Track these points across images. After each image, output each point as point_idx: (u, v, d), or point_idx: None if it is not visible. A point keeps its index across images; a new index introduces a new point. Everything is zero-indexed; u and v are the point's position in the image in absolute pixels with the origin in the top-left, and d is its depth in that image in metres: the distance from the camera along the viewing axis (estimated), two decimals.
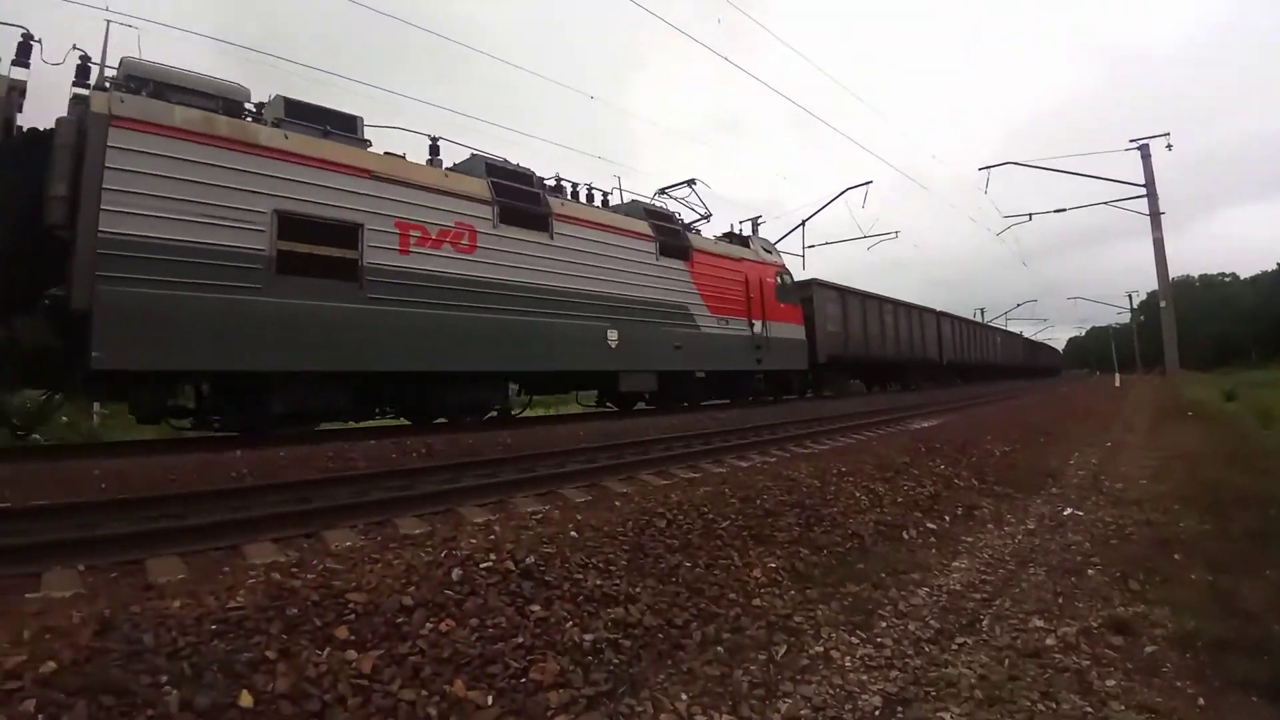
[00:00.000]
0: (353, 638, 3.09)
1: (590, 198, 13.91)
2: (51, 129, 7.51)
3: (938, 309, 32.41)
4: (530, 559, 4.00)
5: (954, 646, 4.15)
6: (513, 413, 12.63)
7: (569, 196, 13.27)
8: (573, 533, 4.52)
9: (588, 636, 3.63)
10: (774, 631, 4.18)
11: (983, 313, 62.06)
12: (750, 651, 3.93)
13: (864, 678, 3.73)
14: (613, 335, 12.62)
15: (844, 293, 22.54)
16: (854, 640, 4.19)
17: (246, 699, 2.65)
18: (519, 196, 11.57)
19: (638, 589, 4.17)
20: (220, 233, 8.01)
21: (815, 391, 22.12)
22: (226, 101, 8.67)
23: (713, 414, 13.77)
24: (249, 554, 4.22)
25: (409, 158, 10.54)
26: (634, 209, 14.77)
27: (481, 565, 3.85)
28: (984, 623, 4.50)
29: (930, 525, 6.64)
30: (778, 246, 21.77)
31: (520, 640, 3.44)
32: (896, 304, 27.04)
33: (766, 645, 4.02)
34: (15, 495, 5.58)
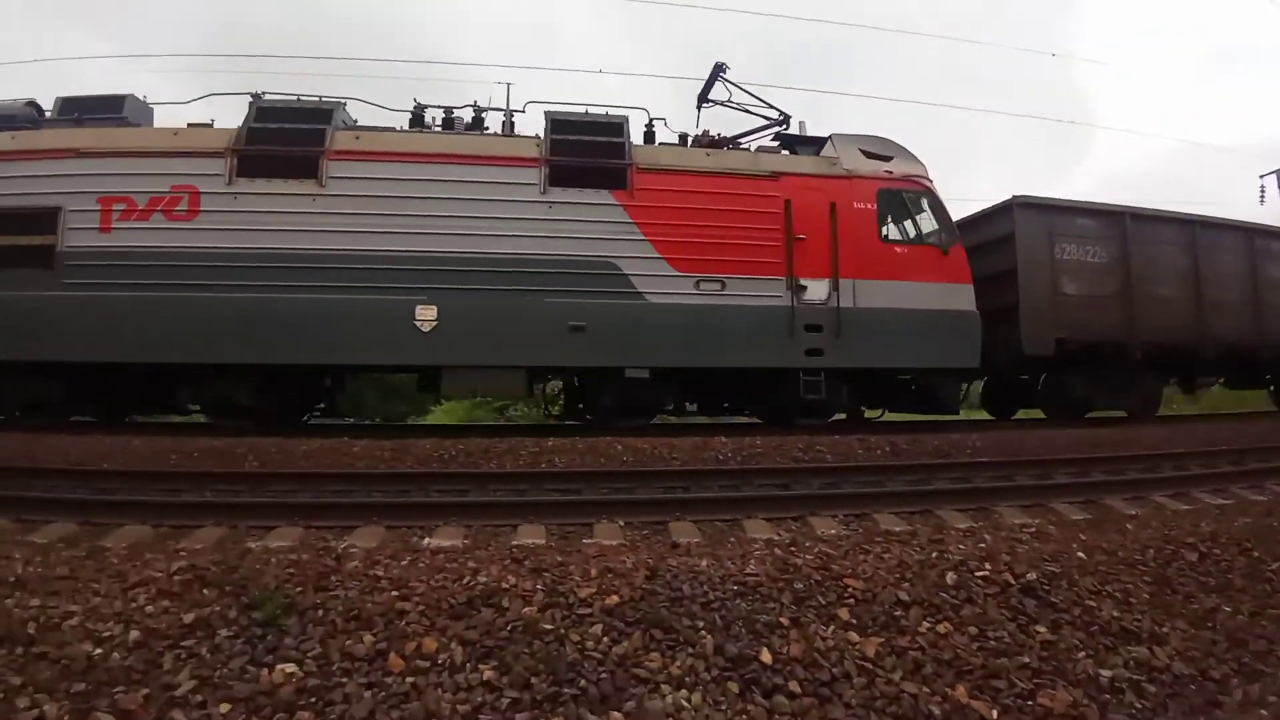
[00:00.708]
0: (853, 621, 3.23)
1: (479, 121, 10.11)
2: None
3: None
4: (1031, 575, 3.72)
5: None
6: (308, 417, 10.05)
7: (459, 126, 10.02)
8: (1079, 553, 4.07)
9: (1105, 672, 3.25)
10: None
11: None
12: None
13: None
14: (425, 314, 8.89)
15: (1124, 219, 11.66)
16: None
17: (766, 656, 2.95)
18: (275, 140, 9.14)
19: (1164, 629, 3.59)
20: None
21: (1048, 404, 12.39)
22: (15, 125, 9.27)
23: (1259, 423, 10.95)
24: (747, 528, 4.68)
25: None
26: (548, 124, 9.92)
27: (977, 574, 3.69)
28: None
29: None
30: None
31: (1025, 660, 3.24)
32: None
33: None
34: (564, 460, 7.05)
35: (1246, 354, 12.60)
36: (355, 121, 9.85)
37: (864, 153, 10.40)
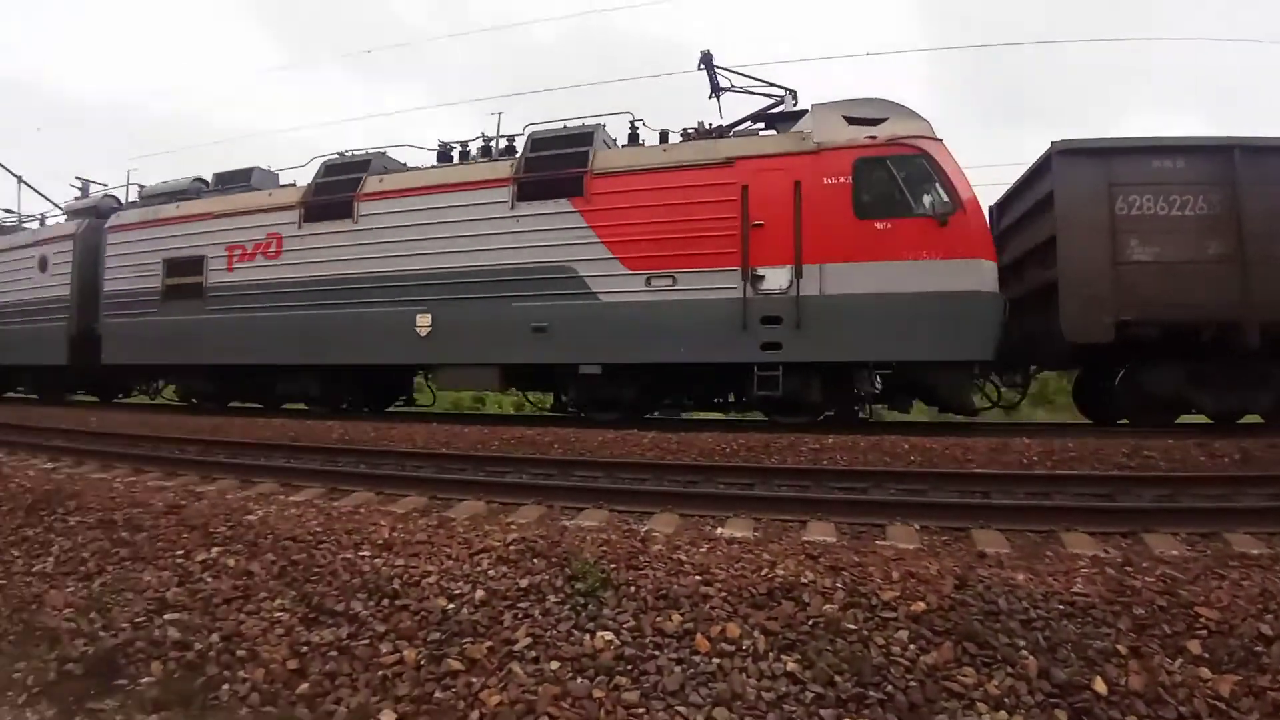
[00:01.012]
0: (1206, 655, 2.80)
1: (487, 150, 11.29)
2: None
3: None
4: None
5: None
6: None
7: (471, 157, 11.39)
8: None
9: None
10: None
11: None
12: None
13: None
14: (423, 321, 10.53)
15: (1232, 155, 8.22)
16: None
17: (1100, 686, 2.66)
18: (328, 191, 11.57)
19: None
20: (145, 279, 12.83)
21: (1131, 404, 9.12)
22: (183, 197, 13.19)
23: None
24: (1066, 542, 4.24)
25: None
26: (527, 143, 10.72)
27: None
28: None
29: None
30: None
31: None
32: None
33: None
34: (846, 458, 6.89)
35: None
36: (405, 165, 11.89)
37: (848, 119, 9.23)
